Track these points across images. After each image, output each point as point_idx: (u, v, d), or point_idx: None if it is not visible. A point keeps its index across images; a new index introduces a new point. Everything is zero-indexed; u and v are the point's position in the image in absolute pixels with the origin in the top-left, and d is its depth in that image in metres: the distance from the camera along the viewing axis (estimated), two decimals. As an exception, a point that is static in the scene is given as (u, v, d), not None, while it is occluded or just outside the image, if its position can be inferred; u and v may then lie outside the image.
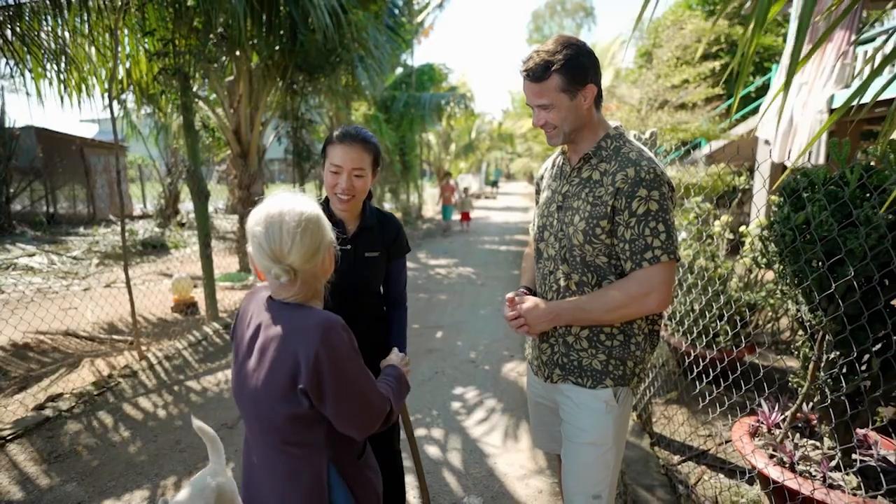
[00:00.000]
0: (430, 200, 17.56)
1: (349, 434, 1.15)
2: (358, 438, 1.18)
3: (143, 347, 4.26)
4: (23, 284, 6.46)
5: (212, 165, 13.42)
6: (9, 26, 4.22)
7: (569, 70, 1.32)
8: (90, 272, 7.40)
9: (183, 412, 3.27)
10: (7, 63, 4.51)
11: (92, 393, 3.46)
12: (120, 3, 4.26)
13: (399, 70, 13.58)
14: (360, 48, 6.80)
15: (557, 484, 2.23)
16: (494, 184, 31.12)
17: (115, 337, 4.65)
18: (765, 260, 2.26)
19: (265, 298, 1.20)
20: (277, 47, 5.97)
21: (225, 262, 7.91)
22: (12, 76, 4.74)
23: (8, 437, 2.88)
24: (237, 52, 6.03)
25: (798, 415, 2.22)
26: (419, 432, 3.01)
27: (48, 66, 4.74)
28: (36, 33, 4.53)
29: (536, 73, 1.35)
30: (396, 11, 9.61)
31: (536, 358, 1.60)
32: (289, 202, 1.11)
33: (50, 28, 4.51)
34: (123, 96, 6.06)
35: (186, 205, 12.89)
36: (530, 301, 1.48)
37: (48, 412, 3.17)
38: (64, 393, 3.46)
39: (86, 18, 4.41)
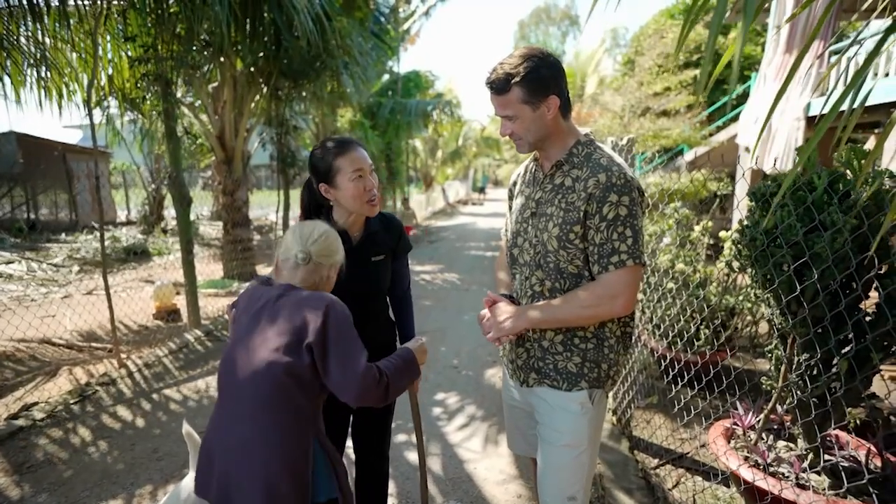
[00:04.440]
0: (416, 207, 17.58)
1: (344, 398, 1.28)
2: (352, 403, 1.30)
3: (123, 355, 4.20)
4: (1, 292, 6.33)
5: (196, 171, 13.31)
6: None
7: (529, 82, 1.35)
8: (70, 279, 7.29)
9: (161, 420, 3.23)
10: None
11: (68, 402, 3.40)
12: (100, 9, 4.23)
13: (385, 77, 13.61)
14: (344, 55, 6.81)
15: (536, 489, 2.24)
16: (482, 190, 31.22)
17: (94, 345, 4.58)
18: (738, 264, 2.31)
19: (269, 286, 1.41)
20: (262, 53, 5.96)
21: (209, 269, 7.83)
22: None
23: (-21, 448, 2.82)
24: (221, 59, 6.01)
25: (772, 416, 2.26)
26: (399, 438, 3.00)
27: (28, 72, 4.69)
28: (15, 38, 4.48)
29: (498, 86, 1.38)
30: (382, 19, 9.66)
31: (512, 362, 1.61)
32: (321, 223, 1.47)
33: (30, 33, 4.47)
34: (106, 102, 6.00)
35: (171, 211, 12.73)
36: (500, 302, 1.52)
37: (21, 422, 3.11)
38: (39, 402, 3.39)
39: (66, 23, 4.37)
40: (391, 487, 2.51)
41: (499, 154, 26.43)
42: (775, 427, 2.34)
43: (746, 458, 2.10)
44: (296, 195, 8.76)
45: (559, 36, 41.88)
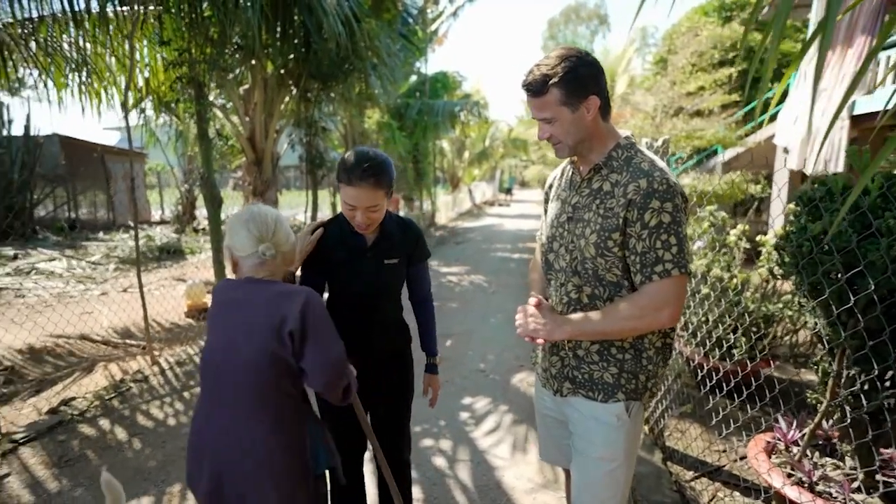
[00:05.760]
0: (443, 208, 17.60)
1: (315, 385, 1.37)
2: (321, 390, 1.38)
3: (156, 352, 4.30)
4: (42, 289, 6.58)
5: (227, 172, 13.61)
6: (33, 38, 4.34)
7: (567, 83, 1.30)
8: (107, 277, 7.52)
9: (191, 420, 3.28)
10: (31, 73, 4.64)
11: (104, 397, 3.49)
12: (137, 14, 4.35)
13: (413, 78, 13.66)
14: (373, 56, 6.84)
15: (565, 498, 2.18)
16: (508, 191, 31.01)
17: (128, 341, 4.70)
18: (781, 271, 2.20)
19: (237, 283, 1.42)
20: (291, 56, 6.04)
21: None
22: (35, 86, 4.87)
23: (20, 441, 2.92)
24: (252, 62, 6.12)
25: (817, 432, 2.14)
26: (426, 442, 2.98)
27: (70, 76, 4.86)
28: (58, 44, 4.64)
29: (535, 88, 1.33)
30: (410, 20, 9.68)
31: (545, 370, 1.56)
32: (262, 206, 1.45)
33: (72, 38, 4.62)
34: (142, 105, 6.18)
35: (202, 211, 13.06)
36: (542, 306, 1.46)
37: (60, 416, 3.21)
38: (76, 397, 3.50)
39: (106, 29, 4.50)
40: (417, 492, 2.49)
41: (526, 155, 26.22)
42: (820, 443, 2.22)
43: (790, 476, 2.00)
44: (324, 195, 8.86)
45: (588, 35, 41.36)
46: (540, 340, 1.44)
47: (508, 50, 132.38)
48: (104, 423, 3.21)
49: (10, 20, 3.98)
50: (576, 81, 1.31)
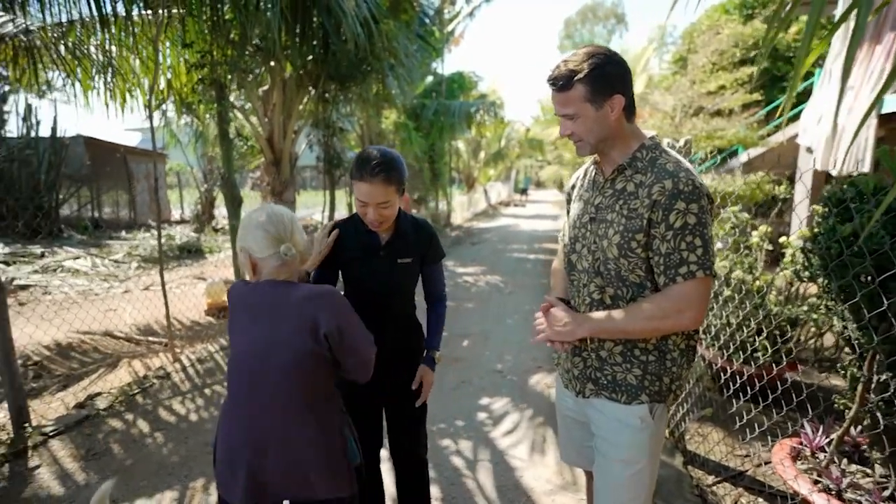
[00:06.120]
0: (458, 208, 17.60)
1: (355, 375, 1.44)
2: (361, 379, 1.45)
3: (177, 350, 4.38)
4: (68, 286, 6.74)
5: (246, 172, 13.79)
6: (62, 42, 4.45)
7: (593, 80, 1.30)
8: (130, 275, 7.68)
9: (213, 415, 3.34)
10: (60, 75, 4.76)
11: (128, 393, 3.57)
12: (161, 18, 4.43)
13: (429, 78, 13.67)
14: (390, 57, 6.87)
15: (586, 501, 2.17)
16: (524, 191, 30.86)
17: (150, 339, 4.79)
18: (808, 273, 2.16)
19: (257, 285, 1.41)
20: (310, 57, 6.09)
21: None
22: (64, 87, 5.00)
23: (50, 434, 3.00)
24: (272, 63, 6.18)
25: (845, 438, 2.10)
26: (444, 442, 2.98)
27: (96, 78, 4.98)
28: (86, 47, 4.76)
29: (560, 83, 1.34)
30: (427, 20, 9.68)
31: (567, 371, 1.55)
32: (277, 206, 1.45)
33: (98, 42, 4.73)
34: (164, 106, 6.30)
35: (222, 210, 13.24)
36: (556, 308, 1.45)
37: (87, 411, 3.28)
38: (102, 392, 3.58)
39: (130, 32, 4.60)
40: (436, 492, 2.50)
41: (542, 155, 26.06)
42: (847, 450, 2.17)
43: (816, 482, 1.96)
44: (341, 196, 8.92)
45: (605, 34, 41.00)
46: (559, 346, 1.43)
47: (525, 50, 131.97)
48: (129, 417, 3.28)
49: (42, 25, 4.08)
50: (602, 79, 1.31)
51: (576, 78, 1.31)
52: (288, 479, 1.35)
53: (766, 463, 2.71)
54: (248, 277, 1.46)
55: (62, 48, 4.50)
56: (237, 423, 1.38)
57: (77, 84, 4.96)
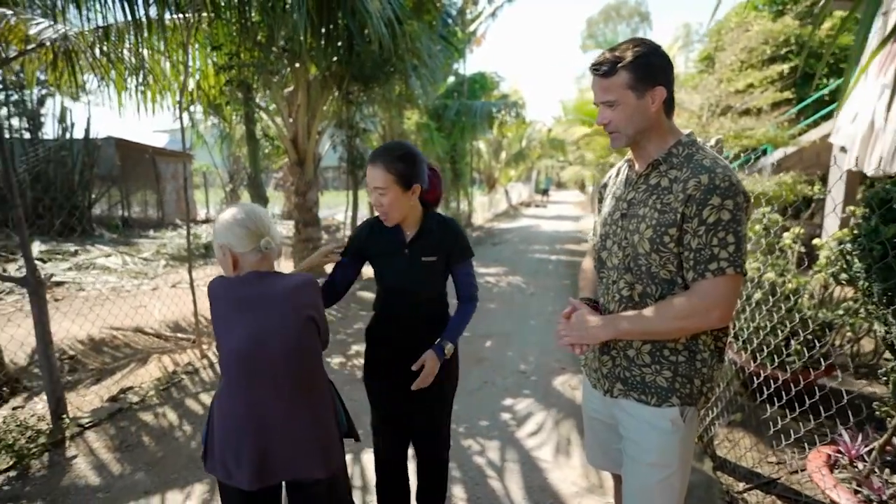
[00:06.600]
0: (479, 208, 17.58)
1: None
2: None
3: (204, 346, 4.46)
4: (100, 283, 6.94)
5: (270, 173, 14.00)
6: (98, 46, 4.59)
7: (638, 67, 1.30)
8: (158, 273, 7.86)
9: (240, 410, 3.39)
10: (94, 78, 4.90)
11: (158, 387, 3.65)
12: (192, 21, 4.53)
13: (451, 79, 13.69)
14: (413, 58, 6.90)
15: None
16: (545, 192, 30.64)
17: (179, 335, 4.90)
18: (847, 276, 2.09)
19: (243, 278, 1.47)
20: (335, 58, 6.16)
21: (280, 266, 8.18)
22: (99, 89, 5.15)
23: (86, 425, 3.09)
24: (297, 64, 6.27)
25: (887, 447, 2.03)
26: (468, 442, 2.98)
27: (129, 81, 5.12)
28: (120, 51, 4.89)
29: (604, 69, 1.33)
30: (450, 21, 9.69)
31: (596, 370, 1.53)
32: (251, 204, 1.55)
33: (131, 45, 4.87)
34: (192, 108, 6.45)
35: (246, 210, 13.47)
36: (582, 309, 1.44)
37: (120, 404, 3.37)
38: (133, 386, 3.67)
39: (162, 35, 4.72)
40: (460, 492, 2.50)
41: (563, 156, 25.82)
42: (889, 459, 2.10)
43: (857, 493, 1.90)
44: (363, 196, 8.99)
45: (629, 33, 40.44)
46: (578, 351, 1.42)
47: (546, 50, 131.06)
48: (160, 411, 3.35)
49: (80, 30, 4.21)
50: (646, 68, 1.30)
51: (620, 64, 1.30)
52: (292, 459, 1.45)
53: (801, 470, 2.63)
54: (225, 273, 1.51)
55: (97, 52, 4.64)
56: (239, 411, 1.44)
57: (111, 86, 5.11)
